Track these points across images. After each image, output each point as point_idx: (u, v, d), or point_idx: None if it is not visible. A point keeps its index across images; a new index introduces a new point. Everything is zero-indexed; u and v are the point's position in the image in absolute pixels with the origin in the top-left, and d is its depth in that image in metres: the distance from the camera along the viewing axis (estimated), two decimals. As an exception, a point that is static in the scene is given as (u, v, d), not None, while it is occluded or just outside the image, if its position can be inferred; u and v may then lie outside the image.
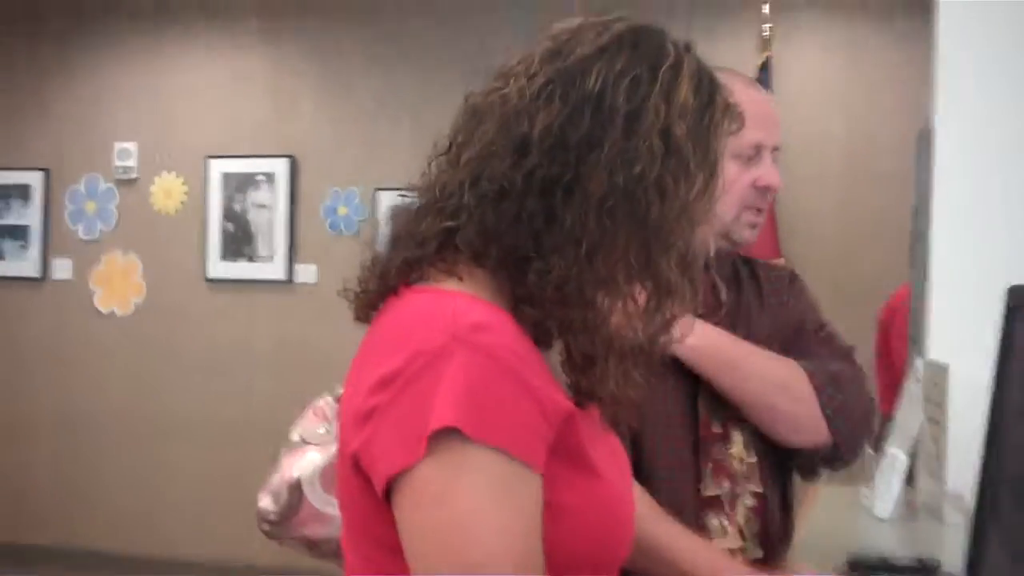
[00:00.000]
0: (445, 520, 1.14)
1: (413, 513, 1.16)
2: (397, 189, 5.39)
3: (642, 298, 1.28)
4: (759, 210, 1.93)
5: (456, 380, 1.14)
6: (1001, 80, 2.89)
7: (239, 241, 6.23)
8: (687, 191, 1.24)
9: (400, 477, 1.15)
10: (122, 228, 6.39)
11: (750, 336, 1.93)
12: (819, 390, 1.88)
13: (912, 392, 2.72)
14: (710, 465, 1.88)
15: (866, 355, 2.02)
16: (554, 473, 1.20)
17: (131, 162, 6.36)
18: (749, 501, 1.89)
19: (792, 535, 2.01)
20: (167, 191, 6.33)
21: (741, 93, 1.84)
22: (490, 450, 1.14)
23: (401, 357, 1.17)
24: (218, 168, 6.24)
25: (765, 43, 5.31)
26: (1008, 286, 0.98)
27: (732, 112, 1.31)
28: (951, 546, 2.27)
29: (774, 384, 1.88)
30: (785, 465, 1.97)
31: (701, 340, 1.86)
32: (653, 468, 1.85)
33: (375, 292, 1.29)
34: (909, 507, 2.58)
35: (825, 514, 2.39)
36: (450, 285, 1.24)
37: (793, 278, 2.07)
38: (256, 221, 6.21)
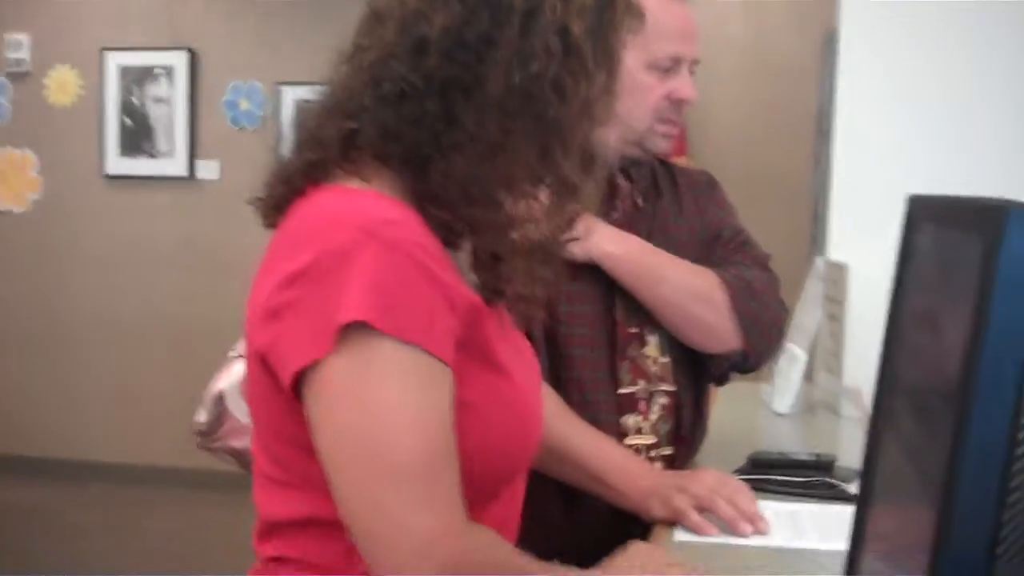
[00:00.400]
0: (356, 414, 1.14)
1: (323, 407, 1.16)
2: (299, 83, 5.27)
3: (545, 197, 1.29)
4: (673, 122, 1.94)
5: (366, 274, 1.13)
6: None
7: (138, 136, 6.09)
8: (586, 90, 1.24)
9: (309, 371, 1.15)
10: (16, 123, 6.21)
11: (668, 242, 1.94)
12: (734, 299, 1.90)
13: (810, 290, 2.78)
14: (626, 364, 1.90)
15: (777, 261, 2.04)
16: (461, 369, 1.20)
17: (23, 54, 6.17)
18: (663, 400, 1.93)
19: (705, 434, 2.06)
20: (62, 84, 6.16)
21: (662, 4, 1.84)
22: (401, 344, 1.14)
23: (310, 253, 1.16)
24: (115, 61, 6.08)
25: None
26: (908, 194, 1.00)
27: (633, 11, 1.31)
28: (848, 440, 2.34)
29: (689, 293, 1.90)
30: (700, 366, 1.99)
31: (619, 248, 1.88)
32: (570, 367, 1.87)
33: (280, 195, 1.28)
34: (807, 402, 2.65)
35: (726, 410, 2.44)
36: (356, 184, 1.24)
37: (712, 184, 2.08)
38: (155, 115, 6.08)
